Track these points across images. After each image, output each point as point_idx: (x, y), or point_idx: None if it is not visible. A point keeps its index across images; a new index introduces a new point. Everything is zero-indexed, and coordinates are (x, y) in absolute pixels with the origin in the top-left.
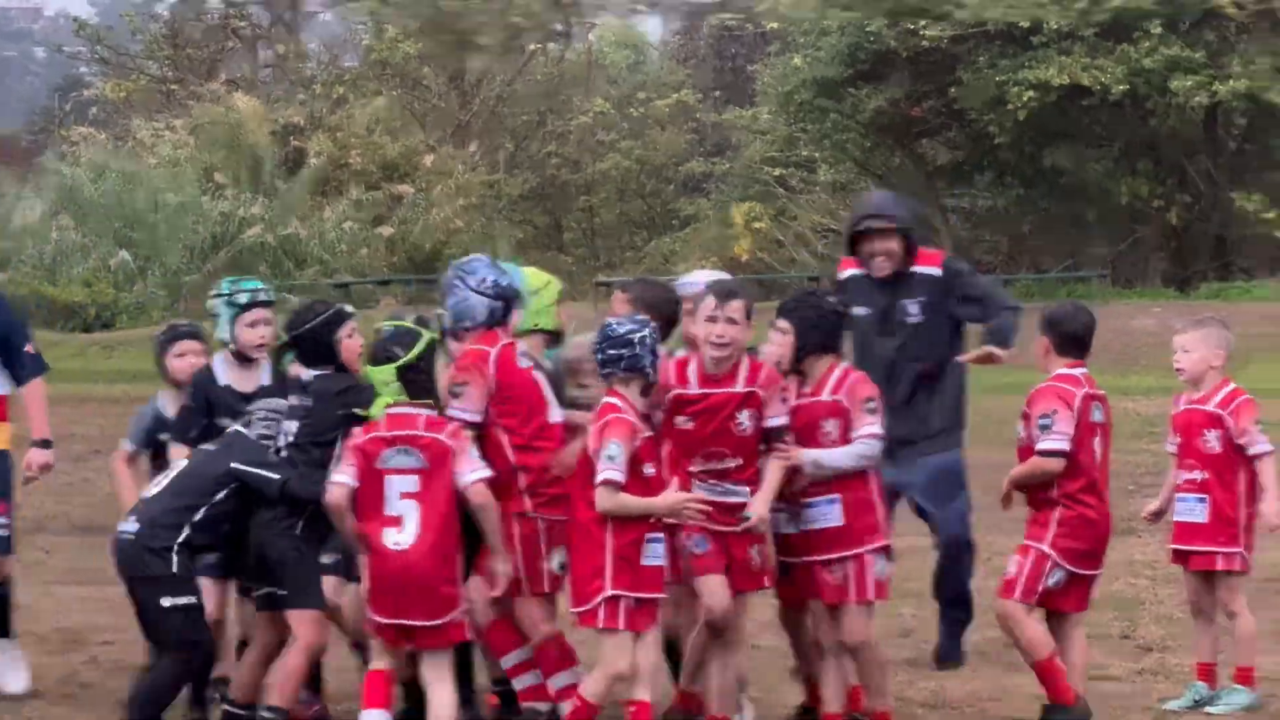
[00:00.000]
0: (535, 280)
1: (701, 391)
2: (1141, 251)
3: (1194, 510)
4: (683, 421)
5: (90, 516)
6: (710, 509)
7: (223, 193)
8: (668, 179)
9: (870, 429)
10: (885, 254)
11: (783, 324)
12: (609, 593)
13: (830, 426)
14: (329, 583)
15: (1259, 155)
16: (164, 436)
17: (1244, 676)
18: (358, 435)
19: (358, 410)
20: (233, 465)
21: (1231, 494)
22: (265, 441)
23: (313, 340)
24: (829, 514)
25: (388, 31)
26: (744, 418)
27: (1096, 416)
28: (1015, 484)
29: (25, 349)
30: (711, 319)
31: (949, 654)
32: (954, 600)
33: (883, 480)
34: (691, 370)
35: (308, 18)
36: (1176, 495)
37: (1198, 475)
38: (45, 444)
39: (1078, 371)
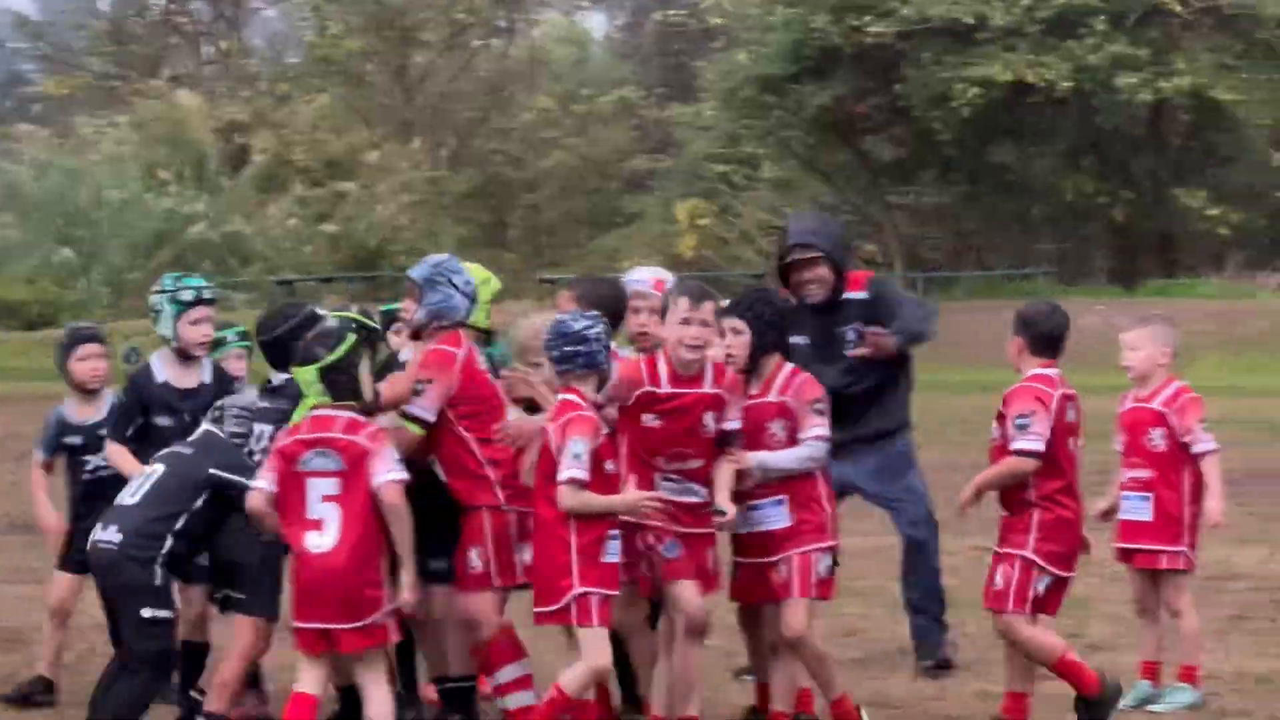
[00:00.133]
0: (476, 277)
1: (672, 391)
2: (1086, 249)
3: (1139, 509)
4: (650, 420)
5: (31, 516)
6: (670, 508)
7: (166, 189)
8: (611, 176)
9: (817, 430)
10: (815, 281)
11: (737, 323)
12: (579, 590)
13: (776, 428)
14: None
15: (1203, 152)
16: (70, 440)
17: (1187, 675)
18: (281, 438)
19: None
20: (211, 471)
21: (1176, 493)
22: (237, 440)
23: (285, 344)
24: (776, 515)
25: (330, 28)
26: (709, 419)
27: (1071, 416)
28: (986, 487)
29: None
30: (685, 321)
31: (931, 653)
32: (926, 593)
33: (831, 479)
34: (661, 369)
35: (250, 14)
36: (1122, 494)
37: (1143, 474)
38: None
39: (1052, 371)
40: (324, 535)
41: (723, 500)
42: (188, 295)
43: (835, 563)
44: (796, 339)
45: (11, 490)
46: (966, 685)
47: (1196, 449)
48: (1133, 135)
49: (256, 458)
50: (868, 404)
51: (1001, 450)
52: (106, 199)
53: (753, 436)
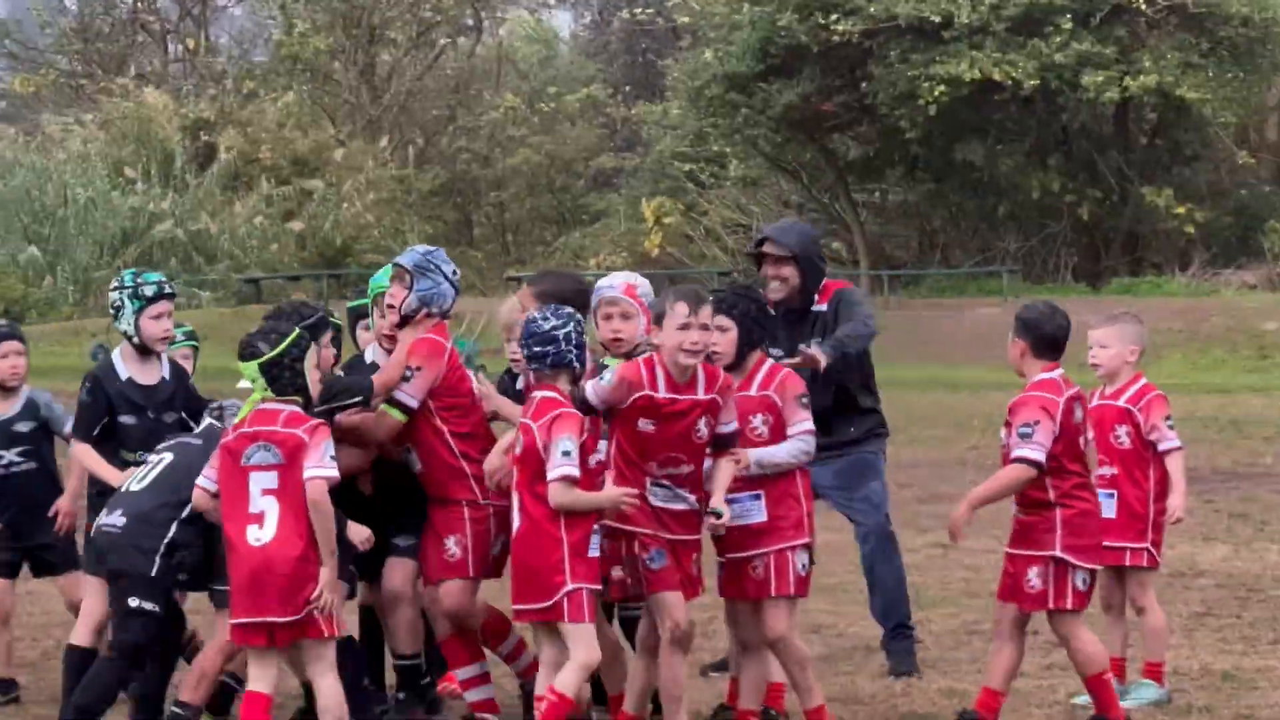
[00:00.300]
0: None
1: (670, 396)
2: (1052, 247)
3: (1104, 506)
4: (645, 424)
5: None
6: (641, 504)
7: (132, 188)
8: (578, 174)
9: (805, 424)
10: (777, 279)
11: (723, 320)
12: (570, 586)
13: (758, 422)
14: None
15: (1169, 151)
16: None
17: (1153, 671)
18: (227, 433)
19: (335, 405)
20: None
21: (1141, 490)
22: None
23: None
24: (753, 510)
25: (297, 26)
26: (702, 425)
27: (1079, 415)
28: (984, 501)
29: None
30: (685, 326)
31: (902, 662)
32: (889, 604)
33: (809, 476)
34: (659, 373)
35: (217, 12)
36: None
37: (1108, 470)
38: None
39: (1056, 374)
40: (263, 529)
41: (718, 501)
42: (149, 290)
43: (811, 560)
44: (771, 350)
45: None
46: (933, 683)
47: (1162, 446)
48: (1099, 133)
49: None
50: (837, 413)
51: (1005, 460)
52: (73, 197)
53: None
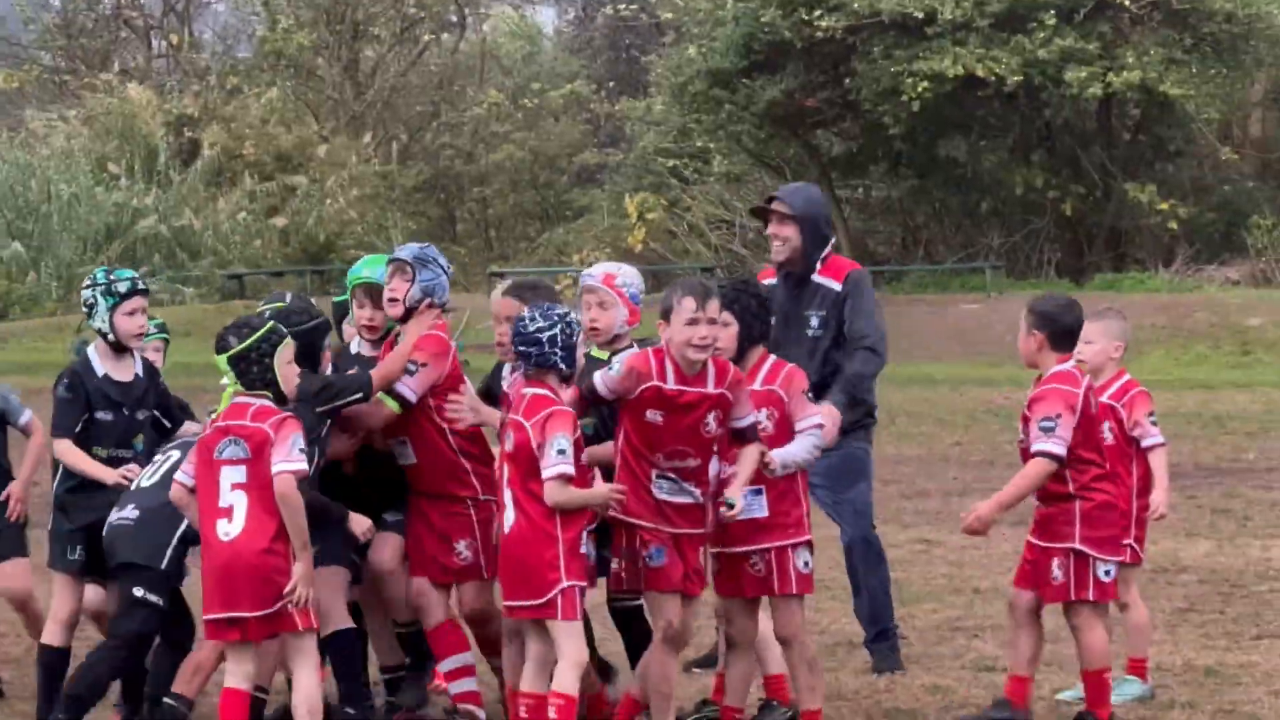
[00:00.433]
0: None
1: (679, 388)
2: (1035, 242)
3: None
4: (653, 415)
5: None
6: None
7: (116, 183)
8: (561, 170)
9: (816, 419)
10: (778, 238)
11: (724, 315)
12: (565, 584)
13: (763, 417)
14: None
15: (1152, 147)
16: None
17: (1136, 667)
18: (205, 428)
19: (336, 403)
20: None
21: (1124, 486)
22: None
23: (298, 340)
24: (753, 505)
25: (281, 22)
26: (710, 419)
27: (1094, 407)
28: (1013, 502)
29: None
30: (693, 321)
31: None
32: (874, 607)
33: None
34: (669, 364)
35: (200, 8)
36: None
37: None
38: None
39: (1071, 366)
40: (232, 523)
41: (734, 492)
42: (122, 287)
43: (811, 555)
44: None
45: None
46: (916, 679)
47: (1145, 443)
48: (1082, 129)
49: None
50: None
51: (1024, 454)
52: (56, 193)
53: None
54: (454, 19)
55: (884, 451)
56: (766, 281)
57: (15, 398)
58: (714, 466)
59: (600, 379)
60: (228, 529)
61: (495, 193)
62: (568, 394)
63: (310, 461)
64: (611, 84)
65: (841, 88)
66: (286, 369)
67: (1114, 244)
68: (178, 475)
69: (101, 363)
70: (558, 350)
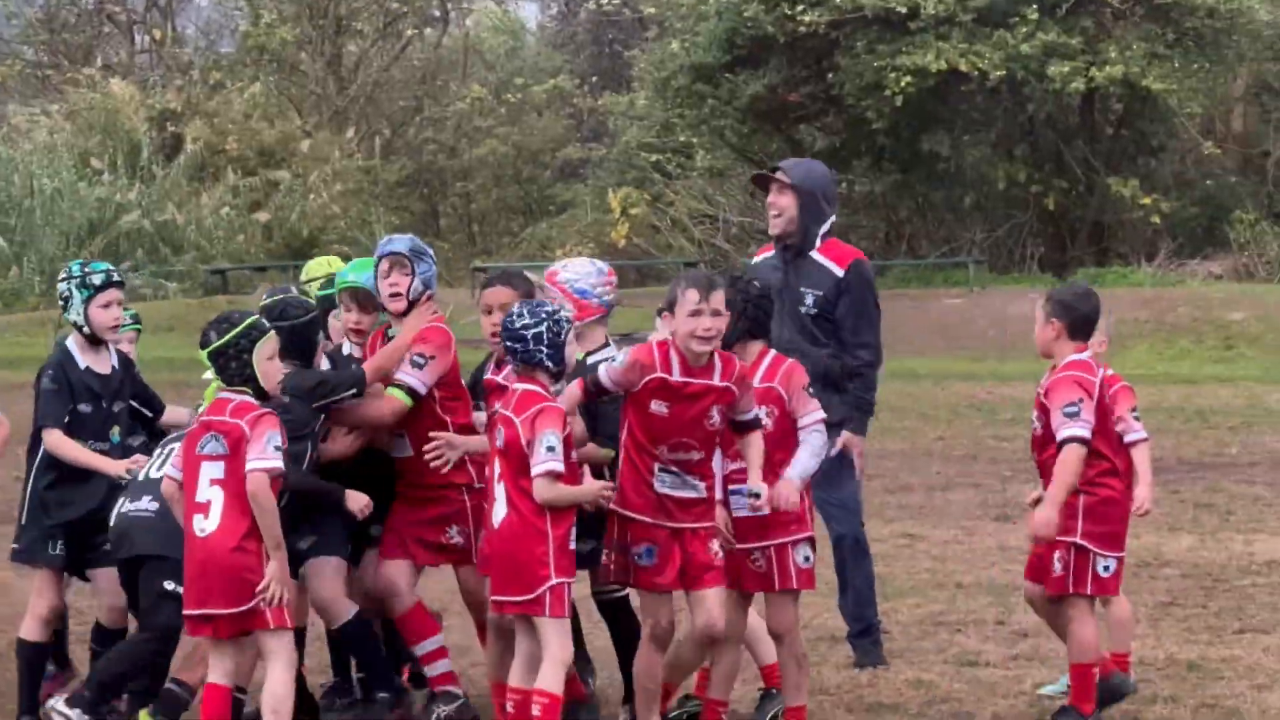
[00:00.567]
0: (332, 268)
1: (685, 379)
2: (1018, 237)
3: None
4: (658, 407)
5: None
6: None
7: (99, 178)
8: (544, 165)
9: (816, 415)
10: (775, 207)
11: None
12: (554, 581)
13: (762, 414)
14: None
15: (1135, 141)
16: None
17: (1119, 662)
18: (192, 423)
19: (331, 399)
20: None
21: (1127, 482)
22: None
23: (294, 334)
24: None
25: (264, 17)
26: (715, 412)
27: (1107, 399)
28: (1064, 495)
29: None
30: (696, 312)
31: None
32: (858, 604)
33: None
34: (673, 355)
35: (183, 2)
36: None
37: None
38: None
39: (1087, 356)
40: (208, 519)
41: (755, 481)
42: (97, 279)
43: (814, 550)
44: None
45: None
46: (899, 673)
47: (1128, 438)
48: (1065, 124)
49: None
50: (824, 385)
51: (1042, 439)
52: (39, 188)
53: None
54: (437, 14)
55: (868, 446)
56: (764, 256)
57: None
58: (717, 460)
59: (604, 371)
60: (204, 525)
61: (478, 188)
62: (572, 388)
63: (304, 457)
64: (594, 79)
65: (824, 82)
66: (267, 365)
67: (1097, 238)
68: (168, 469)
69: (81, 355)
70: (544, 347)
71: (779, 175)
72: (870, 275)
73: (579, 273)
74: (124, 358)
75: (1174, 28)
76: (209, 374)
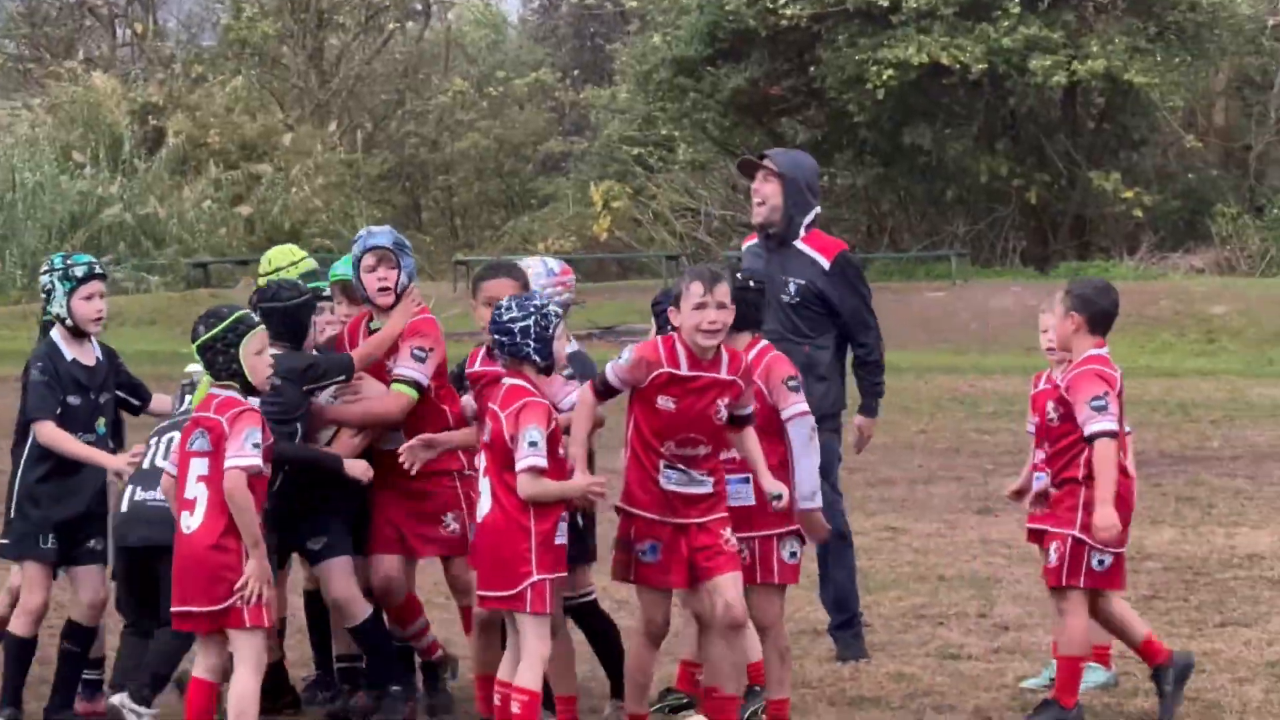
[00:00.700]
0: (289, 258)
1: (693, 373)
2: (1000, 230)
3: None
4: (666, 402)
5: None
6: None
7: (81, 172)
8: (526, 158)
9: (798, 407)
10: (759, 195)
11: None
12: (536, 577)
13: None
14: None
15: (1117, 135)
16: None
17: (1100, 655)
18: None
19: (322, 382)
20: None
21: (1130, 478)
22: None
23: (286, 316)
24: (741, 493)
25: (245, 10)
26: (722, 405)
27: (1123, 394)
28: (1110, 495)
29: None
30: (701, 305)
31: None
32: (840, 598)
33: None
34: (680, 350)
35: None
36: (1035, 475)
37: None
38: None
39: (1105, 351)
40: (193, 516)
41: (770, 481)
42: (79, 271)
43: (801, 544)
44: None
45: None
46: (881, 666)
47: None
48: (1047, 118)
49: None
50: (807, 372)
51: (1055, 431)
52: (21, 181)
53: None
54: (418, 7)
55: (849, 439)
56: (750, 244)
57: None
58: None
59: (611, 370)
60: (189, 522)
61: (460, 181)
62: (584, 393)
63: (294, 439)
64: (576, 72)
65: (806, 76)
66: (255, 359)
67: (1078, 232)
68: (166, 466)
69: (67, 348)
70: (530, 342)
71: (766, 162)
72: (858, 264)
73: (529, 272)
74: (106, 348)
75: (1156, 21)
76: (192, 367)
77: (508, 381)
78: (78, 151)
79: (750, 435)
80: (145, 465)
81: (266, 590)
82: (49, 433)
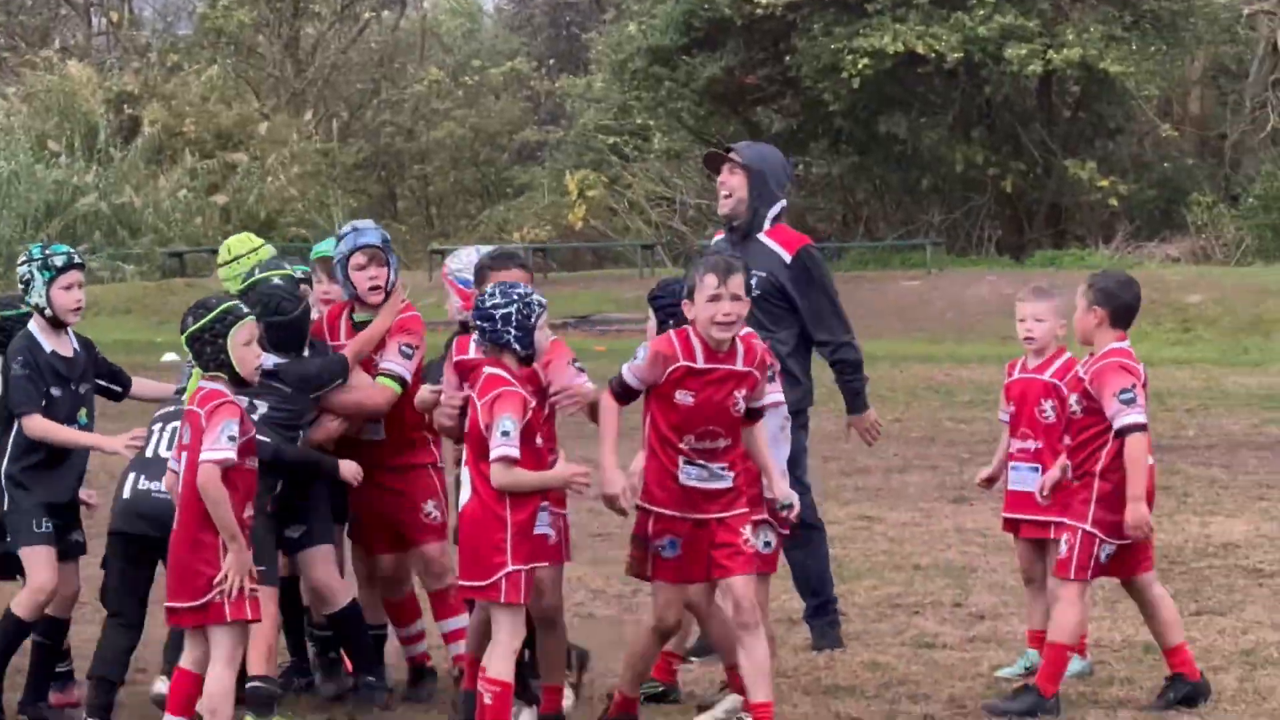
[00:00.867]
0: (247, 246)
1: (710, 366)
2: (976, 219)
3: (1027, 479)
4: (683, 396)
5: None
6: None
7: (56, 161)
8: (502, 147)
9: (772, 397)
10: (725, 186)
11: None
12: (510, 568)
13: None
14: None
15: (1092, 124)
16: None
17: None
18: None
19: (327, 388)
20: None
21: None
22: None
23: (289, 328)
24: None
25: None
26: (740, 396)
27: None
28: (1142, 488)
29: None
30: (715, 297)
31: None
32: (817, 584)
33: None
34: (696, 344)
35: None
36: (1010, 464)
37: (1032, 444)
38: None
39: (1127, 344)
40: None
41: (783, 489)
42: (58, 260)
43: (777, 535)
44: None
45: None
46: (856, 655)
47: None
48: (1022, 106)
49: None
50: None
51: (1076, 424)
52: None
53: None
54: None
55: (824, 428)
56: (717, 238)
57: None
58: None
59: (628, 371)
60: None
61: (436, 170)
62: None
63: (298, 443)
64: (552, 61)
65: (782, 65)
66: (243, 350)
67: (1054, 221)
68: (170, 462)
69: (45, 339)
70: (511, 329)
71: (731, 155)
72: (821, 258)
73: (465, 263)
74: (83, 339)
75: (1131, 10)
76: (170, 356)
77: (487, 370)
78: (53, 140)
79: (760, 435)
80: (148, 453)
81: (249, 583)
82: (39, 426)
